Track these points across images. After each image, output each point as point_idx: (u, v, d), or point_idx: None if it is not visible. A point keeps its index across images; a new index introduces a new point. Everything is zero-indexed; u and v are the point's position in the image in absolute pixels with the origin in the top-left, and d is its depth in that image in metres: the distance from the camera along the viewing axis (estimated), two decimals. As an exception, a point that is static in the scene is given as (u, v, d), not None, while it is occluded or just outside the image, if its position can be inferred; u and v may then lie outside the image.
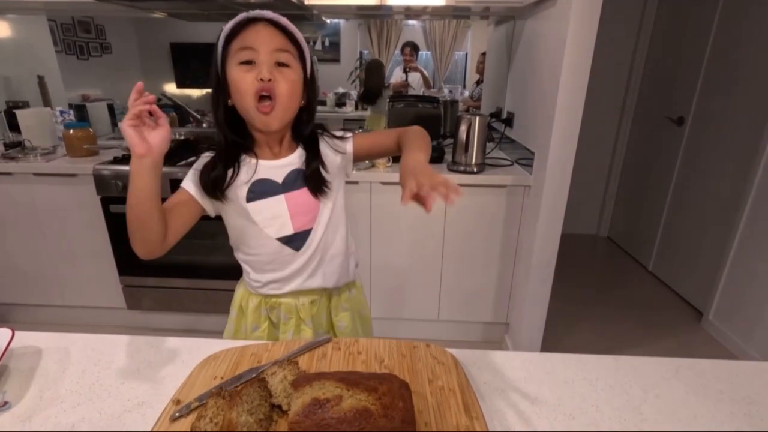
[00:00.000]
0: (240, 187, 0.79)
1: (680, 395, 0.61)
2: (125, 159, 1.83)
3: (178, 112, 2.68)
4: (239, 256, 0.88)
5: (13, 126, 2.04)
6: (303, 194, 0.83)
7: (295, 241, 0.83)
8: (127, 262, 1.89)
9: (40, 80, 2.45)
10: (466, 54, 5.62)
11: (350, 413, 0.47)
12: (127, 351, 0.69)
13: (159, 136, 0.66)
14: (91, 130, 1.93)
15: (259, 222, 0.80)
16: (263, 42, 0.71)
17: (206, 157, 0.81)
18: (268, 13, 0.72)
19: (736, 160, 2.03)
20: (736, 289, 1.96)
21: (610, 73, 2.87)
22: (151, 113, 0.65)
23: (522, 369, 0.66)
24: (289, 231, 0.82)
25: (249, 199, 0.79)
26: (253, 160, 0.80)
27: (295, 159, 0.83)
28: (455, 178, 1.72)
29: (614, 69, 2.88)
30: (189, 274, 1.89)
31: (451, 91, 4.98)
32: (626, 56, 2.87)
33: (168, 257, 1.80)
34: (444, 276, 1.88)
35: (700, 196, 2.28)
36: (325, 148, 0.86)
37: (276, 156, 0.82)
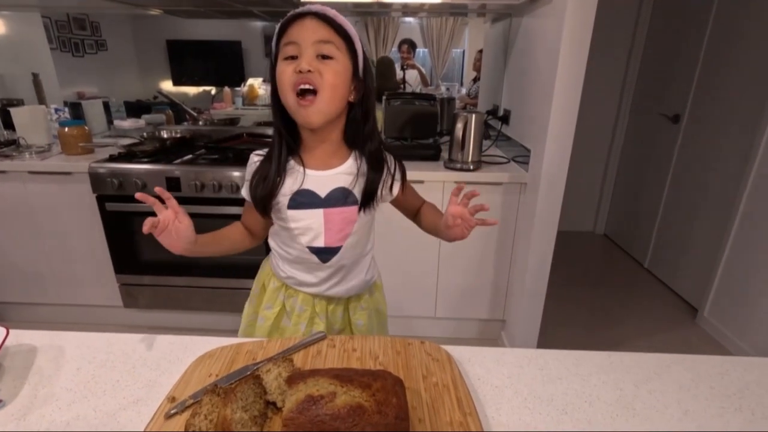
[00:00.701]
0: (284, 194, 0.79)
1: (672, 391, 0.61)
2: (121, 157, 1.83)
3: (174, 109, 2.67)
4: (274, 242, 0.90)
5: (8, 124, 2.03)
6: (344, 212, 0.81)
7: (325, 254, 0.84)
8: (123, 260, 1.89)
9: (35, 78, 2.44)
10: (464, 51, 5.61)
11: (344, 410, 0.47)
12: (122, 349, 0.69)
13: (183, 225, 0.72)
14: (86, 127, 1.92)
15: (294, 229, 0.82)
16: (306, 35, 0.70)
17: (255, 161, 0.82)
18: (315, 6, 0.71)
19: (731, 157, 2.04)
20: (730, 286, 1.97)
21: (606, 71, 2.88)
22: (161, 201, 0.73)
23: (515, 365, 0.66)
24: (320, 243, 0.83)
25: (290, 207, 0.80)
26: (300, 168, 0.79)
27: (344, 170, 0.80)
28: (452, 176, 1.72)
29: (610, 66, 2.89)
30: (186, 272, 1.89)
31: (448, 89, 4.97)
32: (622, 54, 2.88)
33: (165, 255, 1.80)
34: (440, 273, 1.89)
35: (695, 194, 2.30)
36: (388, 176, 0.84)
37: (324, 165, 0.80)
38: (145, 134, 2.11)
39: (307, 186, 0.79)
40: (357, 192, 0.81)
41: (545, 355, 0.69)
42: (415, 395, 0.57)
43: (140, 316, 2.05)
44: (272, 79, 0.76)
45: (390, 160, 0.87)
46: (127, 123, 2.46)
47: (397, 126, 1.92)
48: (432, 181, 1.73)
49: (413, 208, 0.98)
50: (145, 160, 1.79)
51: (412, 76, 3.95)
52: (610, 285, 2.55)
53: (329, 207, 0.80)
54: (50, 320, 2.07)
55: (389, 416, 0.48)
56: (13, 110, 1.99)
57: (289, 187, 0.79)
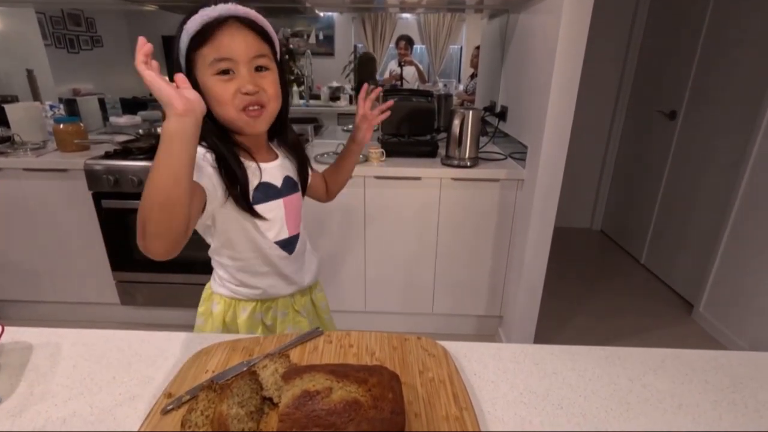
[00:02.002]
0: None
1: (666, 385, 0.62)
2: (117, 154, 1.82)
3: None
4: (229, 264, 0.83)
5: (2, 121, 2.01)
6: (295, 198, 0.85)
7: (290, 245, 0.85)
8: (120, 257, 1.89)
9: (29, 74, 2.42)
10: (461, 48, 5.61)
11: (340, 405, 0.47)
12: (118, 345, 0.69)
13: (194, 94, 0.56)
14: (81, 124, 1.91)
15: (261, 225, 0.80)
16: (241, 51, 0.67)
17: (204, 153, 0.73)
18: (237, 9, 0.67)
19: (727, 154, 2.05)
20: (726, 281, 1.99)
21: (603, 67, 2.88)
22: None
23: (512, 360, 0.67)
24: (285, 234, 0.84)
25: (254, 202, 0.78)
26: (253, 163, 0.78)
27: (282, 160, 0.84)
28: (449, 173, 1.73)
29: (607, 63, 2.89)
30: (183, 269, 1.89)
31: (445, 85, 4.97)
32: (619, 50, 2.88)
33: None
34: (438, 270, 1.89)
35: (691, 190, 2.31)
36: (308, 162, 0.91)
37: (269, 158, 0.82)
38: (141, 131, 2.10)
39: (265, 179, 0.79)
40: (296, 178, 0.86)
41: (541, 350, 0.69)
42: (411, 390, 0.57)
43: (137, 313, 2.05)
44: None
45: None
46: (123, 120, 2.45)
47: (395, 123, 1.92)
48: (429, 178, 1.73)
49: (320, 185, 1.03)
50: (141, 157, 1.79)
51: (409, 72, 3.95)
52: (606, 281, 2.57)
53: (286, 195, 0.83)
54: (46, 318, 2.06)
55: (385, 411, 0.48)
56: (7, 107, 1.98)
57: (251, 180, 0.77)
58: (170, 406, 0.53)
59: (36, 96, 2.40)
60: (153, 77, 0.52)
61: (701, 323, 2.12)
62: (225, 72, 0.68)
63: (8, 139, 1.93)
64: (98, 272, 1.93)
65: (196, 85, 0.69)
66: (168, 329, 0.74)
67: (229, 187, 0.73)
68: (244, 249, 0.82)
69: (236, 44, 0.67)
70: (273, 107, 0.74)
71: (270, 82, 0.72)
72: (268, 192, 0.80)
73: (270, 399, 0.54)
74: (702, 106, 2.25)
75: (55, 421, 0.54)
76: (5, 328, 0.66)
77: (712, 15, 2.17)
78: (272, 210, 0.80)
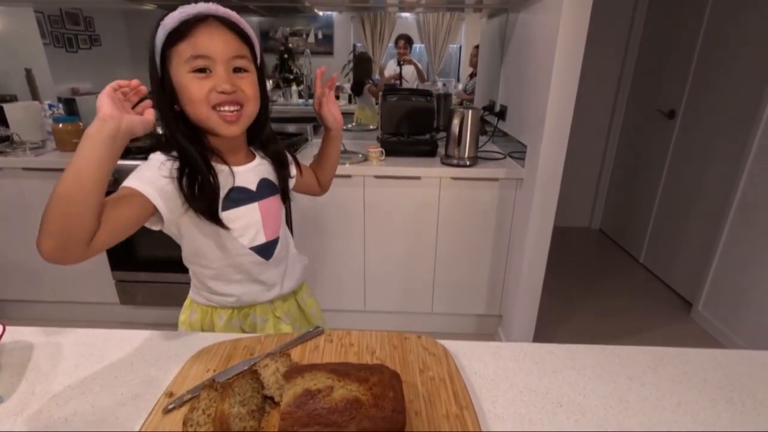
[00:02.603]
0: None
1: (665, 383, 0.62)
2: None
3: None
4: (200, 272, 0.82)
5: (1, 120, 2.01)
6: (273, 202, 0.82)
7: (266, 250, 0.82)
8: (119, 257, 1.88)
9: (28, 73, 2.41)
10: (460, 47, 5.61)
11: (341, 403, 0.47)
12: (119, 345, 0.69)
13: (138, 117, 0.59)
14: (80, 124, 1.90)
15: (233, 231, 0.76)
16: (219, 50, 0.66)
17: (164, 160, 0.70)
18: (218, 9, 0.67)
19: (725, 153, 2.06)
20: (724, 280, 1.99)
21: (602, 66, 2.88)
22: (138, 100, 0.61)
23: (511, 359, 0.67)
24: (261, 240, 0.81)
25: (225, 208, 0.75)
26: (225, 167, 0.75)
27: (260, 162, 0.82)
28: (448, 172, 1.73)
29: (606, 62, 2.89)
30: (182, 268, 1.88)
31: (444, 84, 4.97)
32: (618, 49, 2.88)
33: (161, 252, 1.80)
34: (437, 269, 1.89)
35: (690, 189, 2.31)
36: (291, 167, 0.90)
37: (244, 161, 0.79)
38: (140, 130, 2.09)
39: (238, 183, 0.77)
40: (275, 181, 0.84)
41: (540, 349, 0.70)
42: (411, 389, 0.57)
43: (136, 313, 2.05)
44: (159, 84, 0.69)
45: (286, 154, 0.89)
46: (122, 119, 2.44)
47: (394, 122, 1.92)
48: (429, 177, 1.73)
49: (312, 180, 1.00)
50: (141, 156, 1.78)
51: (408, 71, 3.94)
52: (605, 280, 2.57)
53: (261, 199, 0.80)
54: (45, 317, 2.06)
55: (386, 410, 0.48)
56: (6, 106, 1.98)
57: (222, 185, 0.74)
58: (172, 405, 0.53)
59: (35, 95, 2.40)
60: (99, 96, 0.57)
61: (700, 322, 2.13)
62: (202, 70, 0.67)
63: (7, 139, 1.93)
64: (97, 272, 1.92)
65: (169, 82, 0.68)
66: (167, 329, 0.74)
67: (189, 199, 0.69)
68: (215, 257, 0.79)
69: (214, 43, 0.66)
70: (251, 108, 0.72)
71: (248, 83, 0.71)
72: (239, 197, 0.77)
73: (271, 398, 0.54)
74: (701, 105, 2.25)
75: (57, 421, 0.54)
76: (6, 327, 0.66)
77: (710, 14, 2.17)
78: (245, 215, 0.78)
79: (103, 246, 0.59)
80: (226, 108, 0.69)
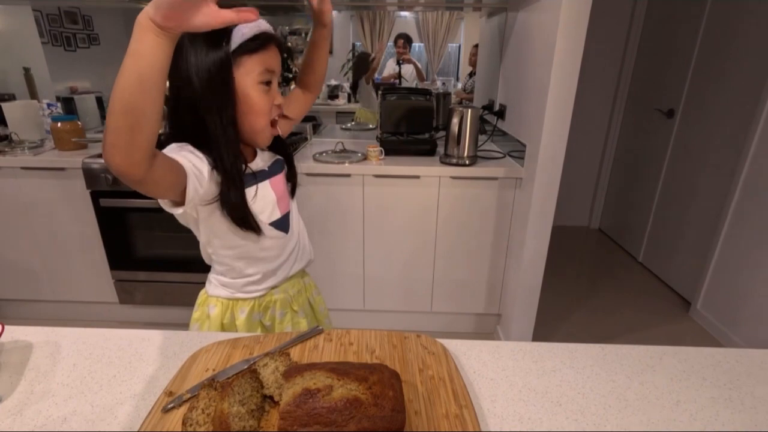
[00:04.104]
0: None
1: (664, 382, 0.62)
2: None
3: (167, 105, 2.63)
4: (224, 254, 0.82)
5: (-1, 119, 2.01)
6: (281, 179, 0.87)
7: (283, 224, 0.86)
8: (118, 256, 1.88)
9: (26, 72, 2.41)
10: (459, 46, 5.60)
11: (341, 402, 0.47)
12: (118, 344, 0.69)
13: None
14: (79, 123, 1.90)
15: (254, 208, 0.79)
16: (277, 66, 0.75)
17: (198, 154, 0.70)
18: (272, 32, 0.73)
19: (724, 152, 2.06)
20: (723, 279, 1.99)
21: (602, 65, 2.89)
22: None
23: (510, 358, 0.67)
24: (277, 215, 0.84)
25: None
26: (248, 170, 0.80)
27: (261, 153, 0.85)
28: (448, 171, 1.73)
29: (605, 61, 2.90)
30: (181, 267, 1.89)
31: (444, 83, 4.97)
32: (617, 48, 2.88)
33: (160, 251, 1.80)
34: (436, 268, 1.90)
35: (689, 188, 2.31)
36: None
37: (252, 156, 0.84)
38: (139, 129, 2.09)
39: (252, 168, 0.81)
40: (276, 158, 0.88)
41: (540, 348, 0.70)
42: (411, 388, 0.57)
43: (136, 312, 2.04)
44: (223, 88, 0.68)
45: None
46: (121, 118, 2.44)
47: (393, 121, 1.92)
48: (428, 176, 1.73)
49: (300, 101, 0.96)
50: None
51: (407, 70, 3.94)
52: (604, 279, 2.57)
53: (272, 176, 0.84)
54: (44, 317, 2.06)
55: (386, 409, 0.48)
56: (4, 105, 1.97)
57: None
58: (171, 405, 0.53)
59: (33, 94, 2.39)
60: None
61: (698, 321, 2.13)
62: (267, 83, 0.73)
63: (6, 138, 1.92)
64: (96, 271, 1.92)
65: (232, 88, 0.70)
66: (166, 328, 0.74)
67: (223, 201, 0.73)
68: (238, 237, 0.80)
69: (277, 61, 0.74)
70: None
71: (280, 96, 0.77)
72: (255, 175, 0.80)
73: (271, 397, 0.54)
74: (700, 104, 2.25)
75: (56, 420, 0.54)
76: (5, 327, 0.65)
77: (710, 13, 2.18)
78: (261, 191, 0.81)
79: (158, 177, 0.57)
80: (278, 120, 0.77)
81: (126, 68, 0.48)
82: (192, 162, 0.66)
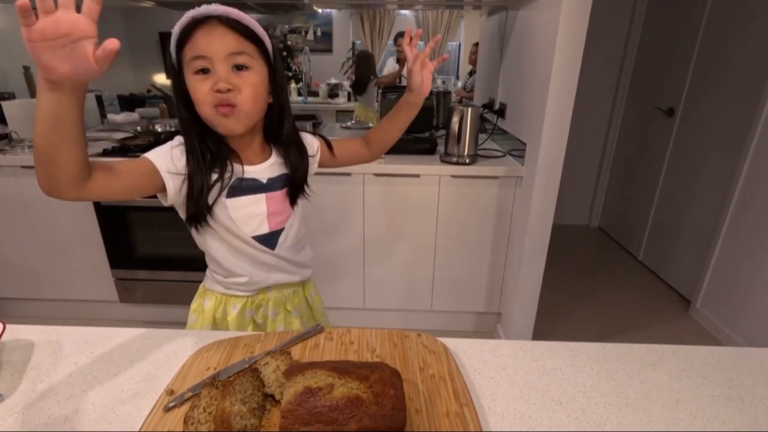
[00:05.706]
0: (221, 187, 0.76)
1: (664, 380, 0.63)
2: (115, 151, 1.81)
3: (168, 103, 2.64)
4: (214, 246, 0.83)
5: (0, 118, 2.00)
6: (281, 195, 0.83)
7: (270, 240, 0.83)
8: (118, 255, 1.88)
9: (26, 71, 2.41)
10: (459, 44, 5.59)
11: (342, 401, 0.48)
12: (120, 343, 0.69)
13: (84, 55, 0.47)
14: (79, 121, 1.90)
15: (236, 219, 0.78)
16: (215, 48, 0.66)
17: (180, 143, 0.74)
18: (216, 9, 0.66)
19: (724, 151, 2.06)
20: (723, 278, 2.00)
21: (602, 64, 2.88)
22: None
23: (511, 357, 0.67)
24: (264, 230, 0.82)
25: (230, 195, 0.76)
26: (239, 166, 0.77)
27: (273, 162, 0.81)
28: (448, 170, 1.73)
29: (606, 60, 2.89)
30: (181, 266, 1.89)
31: (444, 82, 4.96)
32: (618, 47, 2.88)
33: (160, 250, 1.80)
34: (437, 266, 1.90)
35: (689, 187, 2.31)
36: (312, 161, 0.88)
37: (258, 160, 0.80)
38: (138, 128, 2.09)
39: (247, 175, 0.78)
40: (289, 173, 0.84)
41: (540, 346, 0.70)
42: (412, 387, 0.58)
43: (136, 311, 2.05)
44: (177, 90, 0.72)
45: (310, 144, 0.88)
46: (121, 117, 2.44)
47: (393, 119, 1.91)
48: (428, 175, 1.73)
49: (353, 152, 0.96)
50: (140, 154, 1.78)
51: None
52: (604, 277, 2.58)
53: (270, 191, 0.81)
54: (44, 315, 2.06)
55: (386, 407, 0.48)
56: (4, 104, 1.97)
57: (228, 177, 0.76)
58: (172, 404, 0.53)
59: (33, 93, 2.39)
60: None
61: (698, 319, 2.14)
62: (203, 71, 0.68)
63: (5, 137, 1.92)
64: (97, 270, 1.92)
65: (185, 87, 0.71)
66: (166, 326, 0.74)
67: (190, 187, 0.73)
68: (224, 245, 0.81)
69: (211, 42, 0.67)
70: (247, 108, 0.70)
71: (248, 82, 0.69)
72: (248, 186, 0.78)
73: (272, 396, 0.55)
74: (700, 103, 2.25)
75: (58, 419, 0.54)
76: (6, 325, 0.66)
77: (710, 11, 2.17)
78: (250, 204, 0.78)
79: (100, 193, 0.64)
80: (221, 106, 0.69)
81: (36, 118, 0.51)
82: (164, 157, 0.72)
